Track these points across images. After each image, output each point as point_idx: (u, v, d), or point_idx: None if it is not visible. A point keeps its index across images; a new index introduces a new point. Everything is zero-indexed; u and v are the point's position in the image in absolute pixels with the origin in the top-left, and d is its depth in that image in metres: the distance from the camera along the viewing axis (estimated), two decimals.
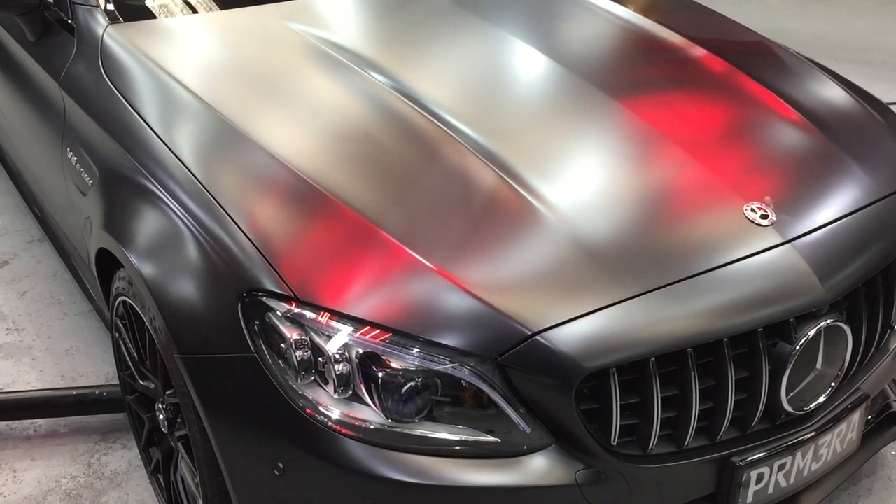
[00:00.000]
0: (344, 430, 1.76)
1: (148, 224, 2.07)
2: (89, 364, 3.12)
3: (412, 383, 1.76)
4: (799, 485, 2.05)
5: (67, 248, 3.14)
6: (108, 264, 2.35)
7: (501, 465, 1.79)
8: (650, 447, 1.84)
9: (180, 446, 2.19)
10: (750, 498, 1.97)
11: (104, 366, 3.11)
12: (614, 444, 1.81)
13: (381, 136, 2.16)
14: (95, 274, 2.45)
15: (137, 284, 2.03)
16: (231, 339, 1.84)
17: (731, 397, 1.85)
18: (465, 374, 1.75)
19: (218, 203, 1.97)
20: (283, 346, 1.80)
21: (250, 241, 1.88)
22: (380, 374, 1.76)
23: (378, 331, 1.76)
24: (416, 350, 1.75)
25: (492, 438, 1.80)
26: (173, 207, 2.02)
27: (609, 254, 1.87)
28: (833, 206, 2.07)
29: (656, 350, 1.77)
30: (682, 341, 1.78)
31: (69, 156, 2.54)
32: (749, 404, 1.90)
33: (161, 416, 2.26)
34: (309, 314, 1.78)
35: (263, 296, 1.82)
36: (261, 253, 1.86)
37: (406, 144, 2.12)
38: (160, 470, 2.41)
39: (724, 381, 1.84)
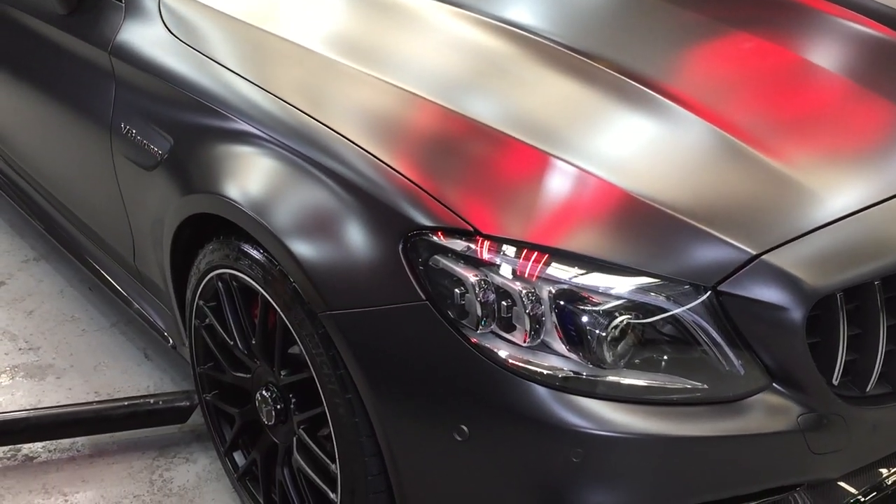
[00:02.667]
0: (538, 379, 1.51)
1: (261, 175, 1.80)
2: (124, 379, 2.79)
3: (614, 321, 1.53)
4: None
5: (90, 251, 2.82)
6: (187, 244, 2.07)
7: (714, 412, 1.57)
8: (870, 385, 1.64)
9: (302, 433, 1.90)
10: None
11: (141, 379, 2.78)
12: (836, 382, 1.61)
13: (519, 68, 1.95)
14: (168, 258, 2.16)
15: (261, 240, 1.76)
16: (394, 287, 1.59)
17: None
18: (675, 307, 1.53)
19: (351, 141, 1.72)
20: (458, 290, 1.55)
21: (402, 175, 1.63)
22: (580, 314, 1.53)
23: (573, 263, 1.53)
24: (622, 283, 1.53)
25: (699, 384, 1.57)
26: (292, 153, 1.77)
27: (809, 172, 1.70)
28: None
29: (882, 269, 1.58)
30: None
31: (124, 130, 2.25)
32: None
33: (266, 407, 1.97)
34: (492, 250, 1.54)
35: (431, 233, 1.57)
36: (421, 188, 1.61)
37: (555, 76, 1.92)
38: (252, 473, 2.10)
39: None
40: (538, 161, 1.68)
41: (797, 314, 1.53)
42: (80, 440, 2.53)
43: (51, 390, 2.74)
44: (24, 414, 2.45)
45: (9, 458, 2.45)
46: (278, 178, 1.78)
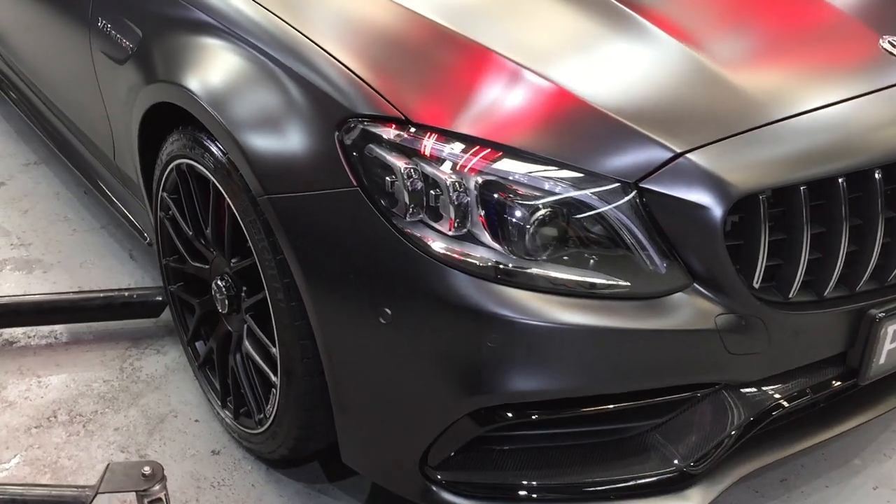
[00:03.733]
0: (460, 266, 1.56)
1: (217, 65, 1.85)
2: (107, 276, 2.88)
3: (538, 213, 1.56)
4: None
5: (78, 151, 2.89)
6: (153, 135, 2.13)
7: (634, 307, 1.60)
8: (793, 291, 1.67)
9: (248, 319, 1.97)
10: (883, 358, 1.81)
11: (123, 277, 2.87)
12: (757, 285, 1.64)
13: None
14: (136, 149, 2.22)
15: (209, 126, 1.81)
16: (328, 173, 1.63)
17: (880, 237, 1.69)
18: (597, 202, 1.56)
19: (298, 30, 1.76)
20: (388, 178, 1.59)
21: (343, 65, 1.67)
22: (503, 203, 1.56)
23: (501, 154, 1.57)
24: (546, 176, 1.56)
25: (622, 282, 1.61)
26: (246, 44, 1.81)
27: (747, 78, 1.71)
28: None
29: (809, 175, 1.60)
30: (836, 167, 1.62)
31: (100, 25, 2.30)
32: (891, 250, 1.74)
33: (220, 295, 2.04)
34: (421, 139, 1.58)
35: (366, 122, 1.61)
36: (358, 76, 1.65)
37: None
38: (212, 362, 2.18)
39: (873, 218, 1.67)
40: (474, 54, 1.70)
41: (716, 214, 1.55)
42: (58, 329, 2.63)
43: (37, 283, 2.84)
44: (5, 300, 2.54)
45: None
46: (228, 68, 1.83)
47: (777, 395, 1.77)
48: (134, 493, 1.87)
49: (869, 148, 1.66)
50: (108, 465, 1.91)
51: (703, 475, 1.75)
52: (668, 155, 1.56)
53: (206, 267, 2.10)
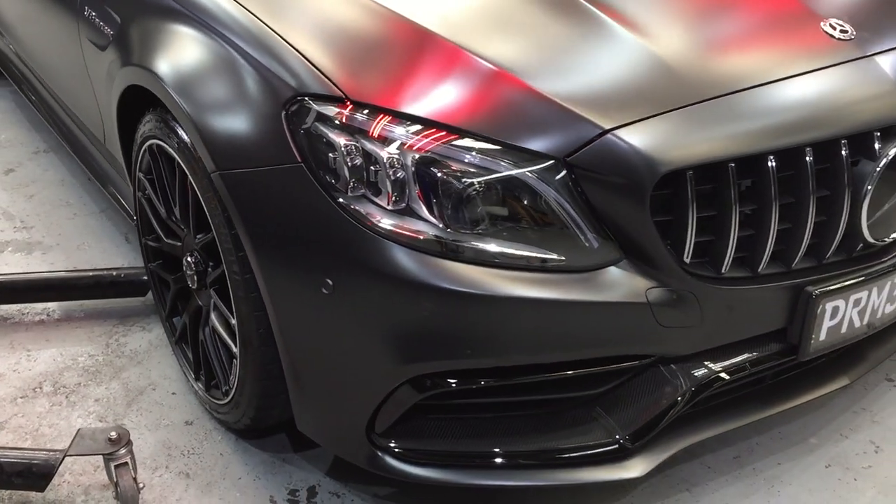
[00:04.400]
0: (398, 240, 1.63)
1: (178, 47, 1.94)
2: (102, 257, 2.98)
3: (472, 188, 1.63)
4: (871, 328, 1.93)
5: (79, 139, 3.00)
6: (131, 117, 2.22)
7: (567, 280, 1.67)
8: (724, 267, 1.72)
9: (213, 293, 2.06)
10: (824, 335, 1.85)
11: (117, 259, 2.97)
12: (687, 260, 1.69)
13: None
14: (116, 131, 2.31)
15: (170, 107, 1.90)
16: (275, 150, 1.71)
17: (812, 215, 1.73)
18: (529, 177, 1.62)
19: (254, 15, 1.84)
20: (331, 154, 1.67)
21: (292, 47, 1.75)
22: (438, 179, 1.63)
23: (437, 131, 1.63)
24: (478, 152, 1.63)
25: (556, 256, 1.67)
26: (207, 29, 1.89)
27: (684, 58, 1.76)
28: None
29: (737, 153, 1.65)
30: (764, 146, 1.66)
31: (87, 14, 2.40)
32: (827, 228, 1.78)
33: (190, 271, 2.12)
34: (361, 116, 1.66)
35: (310, 100, 1.69)
36: (305, 57, 1.73)
37: None
38: (186, 337, 2.27)
39: (804, 196, 1.71)
40: (416, 37, 1.77)
41: (642, 190, 1.61)
42: (51, 307, 2.73)
43: (35, 264, 2.95)
44: (0, 278, 2.66)
45: None
46: (190, 51, 1.91)
47: (716, 369, 1.82)
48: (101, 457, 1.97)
49: (798, 128, 1.70)
50: (79, 430, 2.01)
51: (644, 446, 1.80)
52: (596, 132, 1.62)
53: (179, 244, 2.19)
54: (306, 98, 1.69)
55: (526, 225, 1.66)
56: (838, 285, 1.81)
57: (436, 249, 1.63)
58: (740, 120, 1.68)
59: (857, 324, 1.89)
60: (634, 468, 1.79)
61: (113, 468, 1.97)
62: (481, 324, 1.64)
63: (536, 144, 1.62)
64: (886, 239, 1.85)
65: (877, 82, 1.79)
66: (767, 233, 1.71)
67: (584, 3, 1.86)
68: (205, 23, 1.90)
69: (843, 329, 1.87)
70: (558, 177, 1.63)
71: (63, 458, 1.97)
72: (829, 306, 1.82)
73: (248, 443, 2.20)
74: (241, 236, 1.77)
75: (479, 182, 1.63)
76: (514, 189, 1.64)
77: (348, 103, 1.66)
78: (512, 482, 1.79)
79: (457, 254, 1.64)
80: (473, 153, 1.63)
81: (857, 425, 2.24)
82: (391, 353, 1.68)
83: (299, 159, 1.69)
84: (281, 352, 1.82)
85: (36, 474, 1.96)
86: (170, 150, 2.00)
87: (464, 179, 1.63)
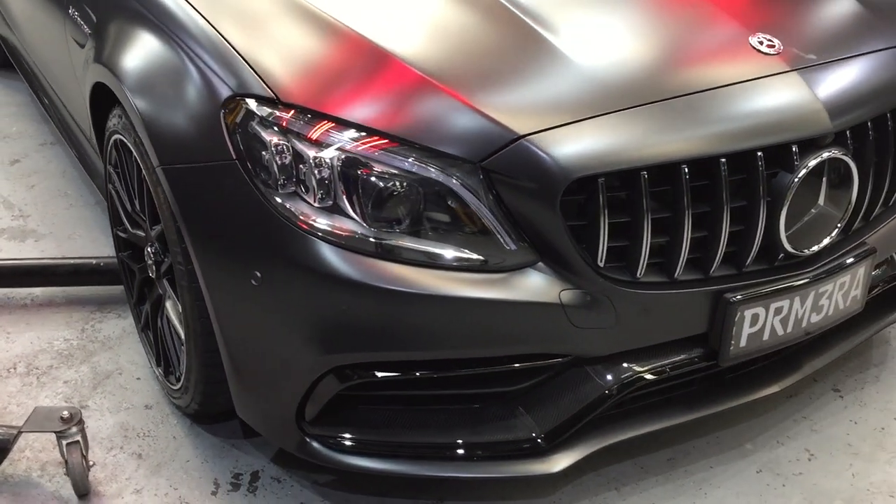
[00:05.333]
0: (321, 236, 1.71)
1: (134, 46, 2.04)
2: (91, 247, 3.10)
3: (393, 188, 1.71)
4: (797, 336, 1.97)
5: (75, 133, 3.12)
6: (103, 113, 2.33)
7: (483, 279, 1.73)
8: (639, 272, 1.77)
9: (165, 282, 2.16)
10: (744, 341, 1.90)
11: (106, 249, 3.08)
12: (601, 264, 1.75)
13: None
14: (90, 124, 2.42)
15: (124, 103, 2.00)
16: (213, 147, 1.80)
17: (726, 224, 1.78)
18: (447, 180, 1.70)
19: (198, 11, 1.93)
20: (264, 153, 1.75)
21: (231, 45, 1.84)
22: (360, 179, 1.71)
23: (360, 134, 1.71)
24: (397, 153, 1.70)
25: (475, 256, 1.74)
26: (159, 28, 1.99)
27: (605, 68, 1.82)
28: (849, 45, 2.00)
29: (648, 162, 1.71)
30: (676, 156, 1.72)
31: (71, 13, 2.52)
32: (745, 238, 1.83)
33: (150, 261, 2.23)
34: (291, 117, 1.74)
35: (245, 99, 1.77)
36: (243, 58, 1.82)
37: None
38: (149, 324, 2.38)
39: (719, 206, 1.77)
40: (347, 41, 1.85)
41: (553, 195, 1.67)
42: (36, 292, 2.86)
43: (27, 251, 3.08)
44: None
45: None
46: (142, 48, 2.01)
47: (637, 371, 1.87)
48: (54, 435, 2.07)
49: (713, 139, 1.75)
50: (35, 408, 2.12)
51: (565, 442, 1.86)
52: (510, 137, 1.69)
53: (143, 235, 2.29)
54: (243, 98, 1.78)
55: (446, 225, 1.74)
56: (756, 293, 1.86)
57: (357, 247, 1.71)
58: (654, 130, 1.74)
59: (780, 332, 1.93)
60: (554, 464, 1.85)
61: (64, 446, 2.07)
62: (399, 319, 1.72)
63: (454, 148, 1.70)
64: (807, 250, 1.89)
65: (797, 96, 1.83)
66: (682, 240, 1.76)
67: (513, 10, 1.93)
68: (160, 24, 2.00)
69: (766, 336, 1.92)
70: (475, 180, 1.70)
71: (18, 434, 2.07)
72: (747, 313, 1.86)
73: (201, 427, 2.30)
74: (181, 228, 1.86)
75: (399, 183, 1.71)
76: (434, 191, 1.71)
77: (280, 104, 1.75)
78: (435, 473, 1.86)
79: (377, 251, 1.71)
80: (394, 155, 1.70)
81: (795, 433, 2.28)
82: (313, 344, 1.76)
83: (234, 157, 1.78)
84: (219, 340, 1.91)
85: None
86: (129, 144, 2.10)
87: (385, 180, 1.71)
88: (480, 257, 1.74)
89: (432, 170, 1.70)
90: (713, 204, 1.78)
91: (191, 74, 1.88)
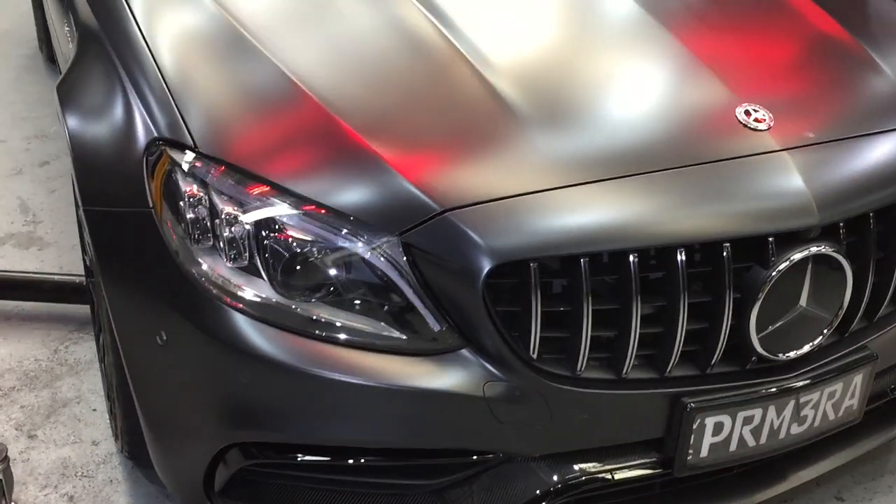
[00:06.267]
0: (228, 300, 1.56)
1: (82, 70, 1.94)
2: None
3: (308, 255, 1.55)
4: (775, 448, 1.74)
5: None
6: None
7: (401, 362, 1.56)
8: (579, 367, 1.57)
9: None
10: (705, 451, 1.67)
11: None
12: (534, 355, 1.55)
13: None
14: None
15: (66, 140, 1.89)
16: (134, 192, 1.68)
17: (683, 321, 1.56)
18: (364, 250, 1.53)
19: (148, 47, 1.81)
20: (181, 203, 1.62)
21: (166, 83, 1.71)
22: (273, 242, 1.56)
23: (278, 194, 1.56)
24: (316, 219, 1.54)
25: (397, 334, 1.56)
26: (109, 56, 1.88)
27: (559, 137, 1.62)
28: (862, 121, 1.74)
29: (587, 248, 1.50)
30: (622, 241, 1.51)
31: (65, 27, 2.45)
32: (710, 337, 1.61)
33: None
34: (209, 169, 1.60)
35: (166, 145, 1.64)
36: (173, 97, 1.69)
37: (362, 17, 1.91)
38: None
39: (675, 300, 1.55)
40: (285, 96, 1.69)
41: (476, 277, 1.49)
42: (24, 306, 2.80)
43: (28, 260, 3.05)
44: None
45: None
46: (89, 81, 1.91)
47: (576, 474, 1.67)
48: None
49: (668, 225, 1.54)
50: None
51: None
52: (433, 211, 1.51)
53: None
54: (166, 144, 1.65)
55: (365, 299, 1.57)
56: (720, 400, 1.63)
57: (265, 315, 1.56)
58: (599, 212, 1.53)
59: (751, 443, 1.70)
60: None
61: None
62: (304, 401, 1.57)
63: (373, 218, 1.53)
64: (782, 355, 1.65)
65: (780, 182, 1.60)
66: (629, 335, 1.55)
67: (472, 62, 1.74)
68: (109, 47, 1.89)
69: (733, 447, 1.69)
70: (394, 253, 1.52)
71: None
72: (709, 421, 1.64)
73: (141, 472, 2.18)
74: (98, 273, 1.75)
75: (316, 250, 1.55)
76: (351, 261, 1.55)
77: (200, 155, 1.61)
78: None
79: (285, 321, 1.56)
80: (311, 220, 1.55)
81: None
82: (214, 415, 1.62)
83: (150, 205, 1.65)
84: (133, 392, 1.79)
85: None
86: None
87: (299, 246, 1.55)
88: (403, 336, 1.56)
89: (348, 239, 1.54)
90: (669, 297, 1.56)
91: (124, 111, 1.76)
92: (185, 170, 1.61)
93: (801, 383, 1.69)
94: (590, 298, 1.52)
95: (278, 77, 1.71)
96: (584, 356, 1.56)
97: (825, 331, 1.68)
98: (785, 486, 1.86)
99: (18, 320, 2.75)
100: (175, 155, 1.64)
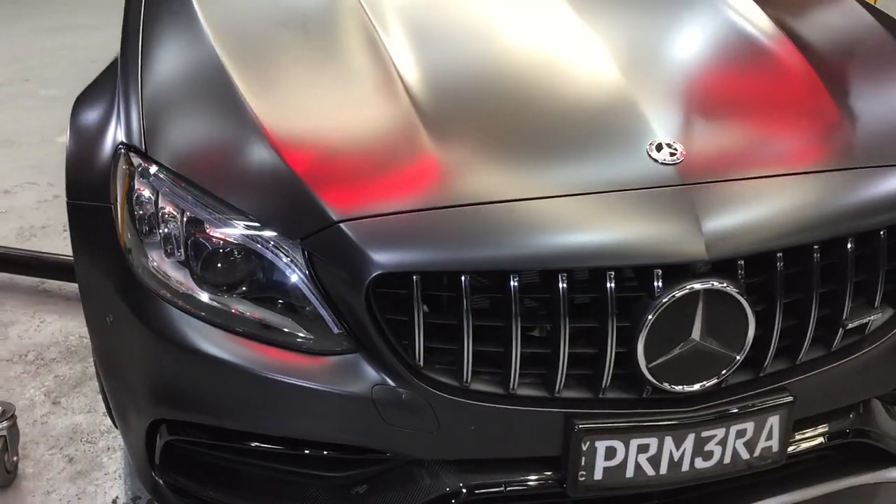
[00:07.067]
0: (159, 291, 1.74)
1: (95, 89, 2.17)
2: None
3: (227, 256, 1.70)
4: (683, 480, 1.75)
5: None
6: None
7: (306, 359, 1.69)
8: (465, 379, 1.65)
9: None
10: (599, 474, 1.70)
11: None
12: (420, 363, 1.64)
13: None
14: None
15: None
16: (101, 189, 1.88)
17: (565, 343, 1.61)
18: (273, 255, 1.67)
19: (141, 68, 2.02)
20: (133, 201, 1.81)
21: (140, 93, 1.92)
22: (200, 241, 1.72)
23: (206, 197, 1.73)
24: (236, 223, 1.70)
25: (304, 333, 1.69)
26: (116, 74, 2.10)
27: (463, 162, 1.70)
28: (768, 164, 1.74)
29: (467, 267, 1.58)
30: (501, 265, 1.58)
31: None
32: (599, 362, 1.65)
33: None
34: (154, 172, 1.79)
35: (128, 150, 1.84)
36: (142, 106, 1.89)
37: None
38: None
39: (557, 322, 1.60)
40: (227, 109, 1.85)
41: (360, 287, 1.59)
42: None
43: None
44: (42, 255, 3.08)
45: None
46: (100, 97, 2.13)
47: (470, 484, 1.75)
48: None
49: (550, 250, 1.59)
50: None
51: None
52: (328, 221, 1.63)
53: None
54: (129, 147, 1.85)
55: (275, 298, 1.71)
56: (608, 425, 1.66)
57: (187, 306, 1.73)
58: (484, 233, 1.60)
59: (650, 472, 1.72)
60: None
61: None
62: (212, 386, 1.72)
63: (280, 223, 1.66)
64: (678, 387, 1.67)
65: (673, 215, 1.62)
66: (512, 353, 1.62)
67: (397, 81, 1.86)
68: (120, 54, 2.12)
69: (629, 473, 1.71)
70: (298, 257, 1.66)
71: None
72: (600, 445, 1.67)
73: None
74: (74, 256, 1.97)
75: (234, 250, 1.70)
76: (262, 262, 1.69)
77: (148, 159, 1.80)
78: None
79: (204, 313, 1.72)
80: (232, 223, 1.70)
81: None
82: (144, 392, 1.80)
83: (111, 200, 1.85)
84: (98, 367, 2.00)
85: None
86: None
87: (218, 246, 1.71)
88: (310, 336, 1.69)
89: (259, 241, 1.68)
90: (553, 319, 1.61)
91: (108, 120, 1.98)
92: (139, 172, 1.80)
93: (700, 417, 1.69)
94: (469, 314, 1.59)
95: (232, 99, 1.86)
96: (468, 368, 1.63)
97: (728, 368, 1.68)
98: None
99: (77, 301, 3.05)
100: (134, 158, 1.83)
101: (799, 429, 1.84)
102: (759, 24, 2.12)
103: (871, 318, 1.76)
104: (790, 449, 1.81)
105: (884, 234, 1.72)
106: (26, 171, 4.11)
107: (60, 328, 2.91)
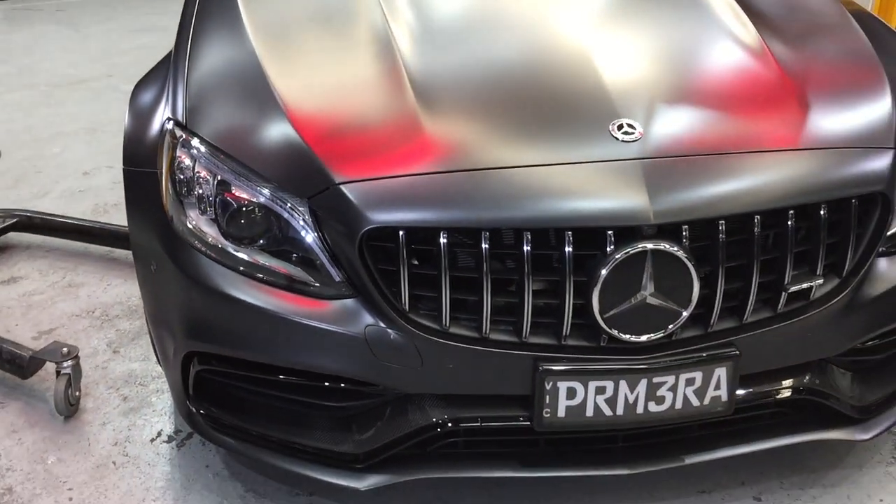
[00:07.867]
0: (193, 242, 2.06)
1: (152, 74, 2.50)
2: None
3: (247, 211, 2.01)
4: (638, 422, 1.98)
5: None
6: None
7: (309, 303, 1.98)
8: (444, 323, 1.92)
9: None
10: (562, 412, 1.95)
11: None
12: (405, 308, 1.92)
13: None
14: None
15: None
16: (150, 157, 2.21)
17: (528, 294, 1.87)
18: (286, 212, 1.97)
19: (189, 56, 2.35)
20: (174, 167, 2.14)
21: (186, 81, 2.24)
22: (227, 200, 2.03)
23: (232, 162, 2.03)
24: (255, 184, 2.00)
25: (311, 280, 1.99)
26: (169, 61, 2.44)
27: (449, 134, 1.98)
28: (718, 143, 1.98)
29: (444, 224, 1.85)
30: (473, 222, 1.85)
31: None
32: (560, 311, 1.90)
33: None
34: (189, 140, 2.10)
35: (173, 123, 2.17)
36: (187, 86, 2.21)
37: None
38: None
39: (521, 276, 1.86)
40: (255, 88, 2.16)
41: (354, 240, 1.88)
42: None
43: None
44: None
45: None
46: (155, 80, 2.47)
47: (457, 416, 2.01)
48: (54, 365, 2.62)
49: (516, 212, 1.85)
50: (53, 342, 2.68)
51: (378, 465, 2.05)
52: (329, 182, 1.92)
53: None
54: (172, 121, 2.18)
55: (288, 250, 2.01)
56: (568, 367, 1.91)
57: (214, 255, 2.04)
58: (460, 196, 1.87)
59: (607, 412, 1.95)
60: (363, 481, 2.05)
61: (58, 375, 2.60)
62: (232, 321, 2.03)
63: (293, 184, 1.97)
64: (632, 336, 1.90)
65: (622, 185, 1.86)
66: (483, 301, 1.88)
67: (398, 79, 2.13)
68: (172, 55, 2.46)
69: (589, 413, 1.95)
70: (306, 214, 1.95)
71: (30, 358, 2.64)
72: (562, 385, 1.92)
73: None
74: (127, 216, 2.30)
75: (255, 209, 2.01)
76: (278, 219, 1.99)
77: (187, 131, 2.12)
78: (271, 461, 2.13)
79: (229, 262, 2.03)
80: (254, 186, 2.00)
81: None
82: (179, 328, 2.12)
83: (158, 167, 2.18)
84: (145, 310, 2.33)
85: (17, 364, 2.65)
86: None
87: (243, 204, 2.02)
88: (316, 283, 1.98)
89: (277, 201, 1.98)
90: (518, 273, 1.87)
91: (159, 99, 2.31)
92: (181, 143, 2.13)
93: (651, 364, 1.93)
94: (447, 267, 1.87)
95: (261, 83, 2.17)
96: (446, 314, 1.90)
97: (675, 323, 1.91)
98: (656, 466, 2.07)
99: None
100: (177, 132, 2.16)
101: (752, 384, 2.05)
102: (728, 19, 2.37)
103: (812, 283, 1.97)
104: (745, 402, 2.03)
105: (824, 209, 1.93)
106: (104, 155, 4.52)
107: (124, 290, 3.27)
